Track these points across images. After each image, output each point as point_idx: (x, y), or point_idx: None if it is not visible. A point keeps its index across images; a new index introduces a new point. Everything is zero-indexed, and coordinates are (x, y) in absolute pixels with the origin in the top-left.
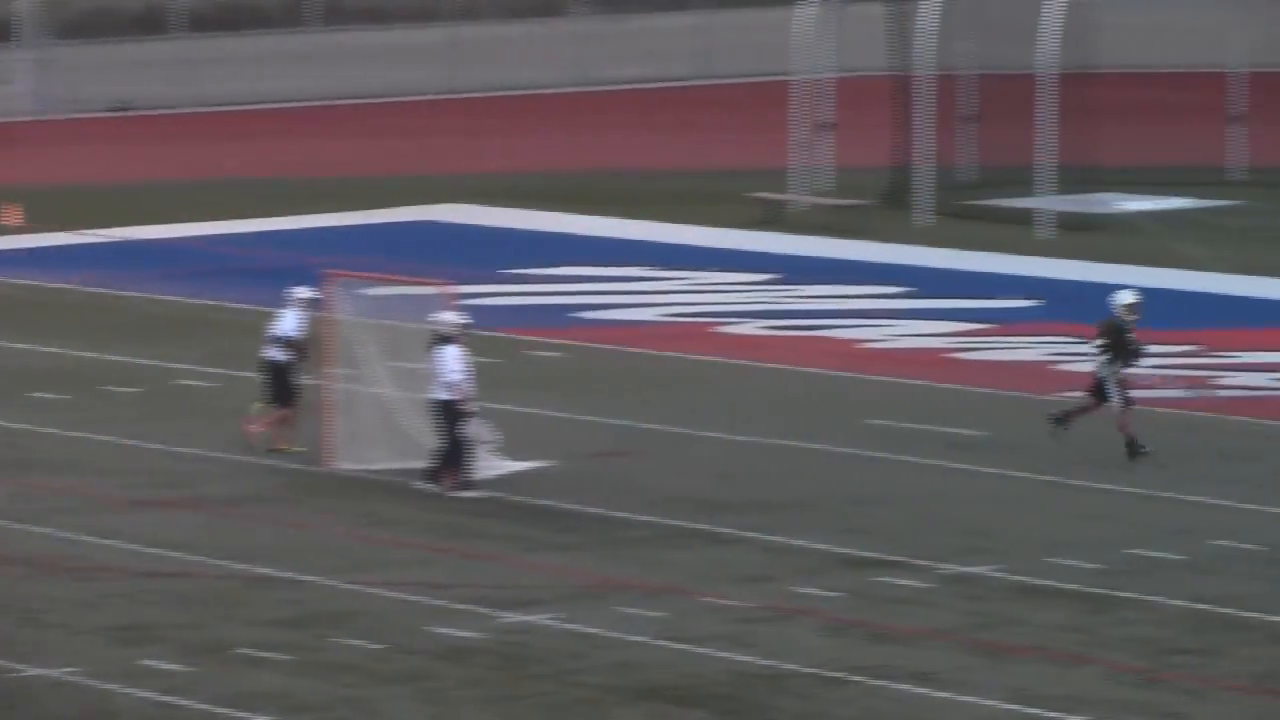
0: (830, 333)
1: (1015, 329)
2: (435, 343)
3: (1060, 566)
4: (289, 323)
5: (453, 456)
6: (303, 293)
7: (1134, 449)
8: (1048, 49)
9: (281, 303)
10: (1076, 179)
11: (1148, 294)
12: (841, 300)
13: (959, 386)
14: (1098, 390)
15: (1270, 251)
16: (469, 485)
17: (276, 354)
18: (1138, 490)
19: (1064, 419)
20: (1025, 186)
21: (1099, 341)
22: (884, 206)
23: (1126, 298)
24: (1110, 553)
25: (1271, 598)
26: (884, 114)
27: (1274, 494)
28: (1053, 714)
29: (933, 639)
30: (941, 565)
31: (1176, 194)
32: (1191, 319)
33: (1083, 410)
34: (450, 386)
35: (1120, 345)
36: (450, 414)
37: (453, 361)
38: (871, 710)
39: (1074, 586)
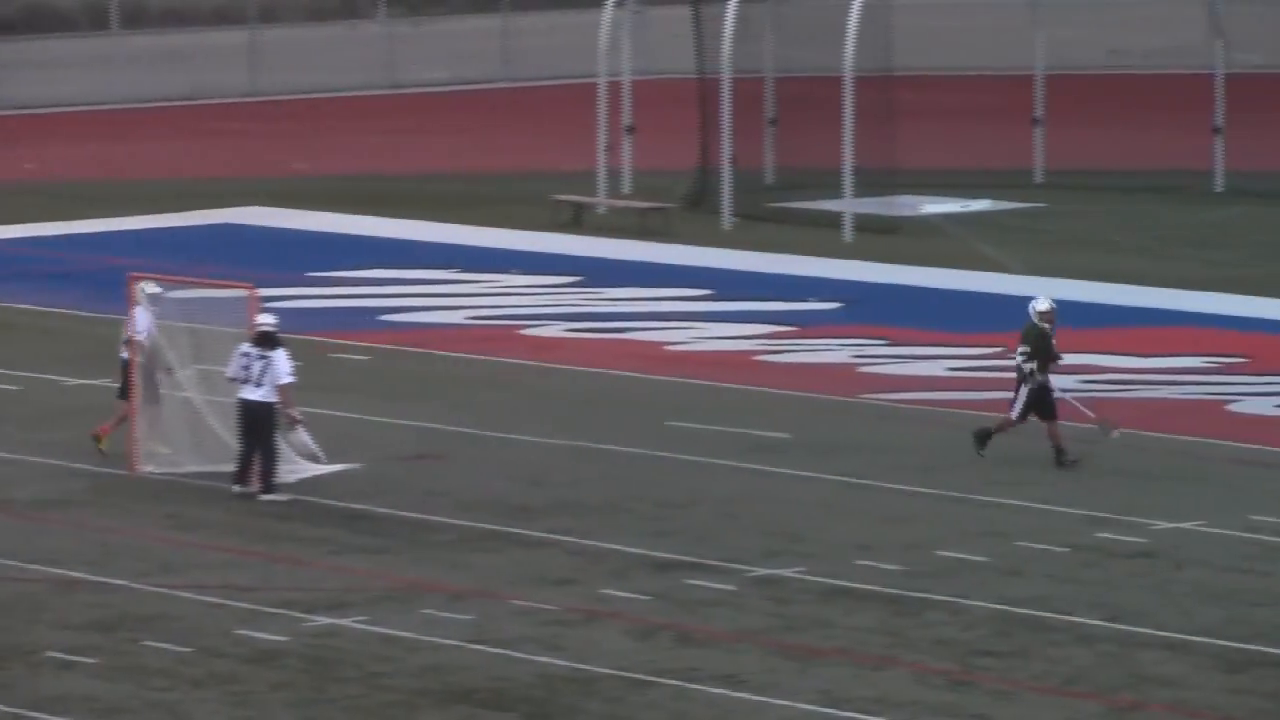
0: (634, 335)
1: (817, 331)
2: (258, 344)
3: (867, 569)
4: (141, 321)
5: (266, 459)
6: (151, 289)
7: (1062, 458)
8: (849, 52)
9: (116, 303)
10: (877, 181)
11: (948, 296)
12: (645, 303)
13: (763, 389)
14: (1040, 404)
15: (1070, 253)
16: (274, 489)
17: (124, 353)
18: (943, 492)
19: (1060, 453)
20: (827, 189)
21: (1023, 349)
22: (687, 209)
23: (1043, 304)
24: (916, 555)
25: (1077, 599)
26: (687, 117)
27: (1074, 495)
28: (860, 716)
29: (740, 641)
30: (748, 568)
31: (977, 196)
32: (992, 321)
33: (1055, 434)
34: (279, 390)
35: (1044, 351)
36: (268, 417)
37: (283, 364)
38: (679, 713)
39: (881, 589)
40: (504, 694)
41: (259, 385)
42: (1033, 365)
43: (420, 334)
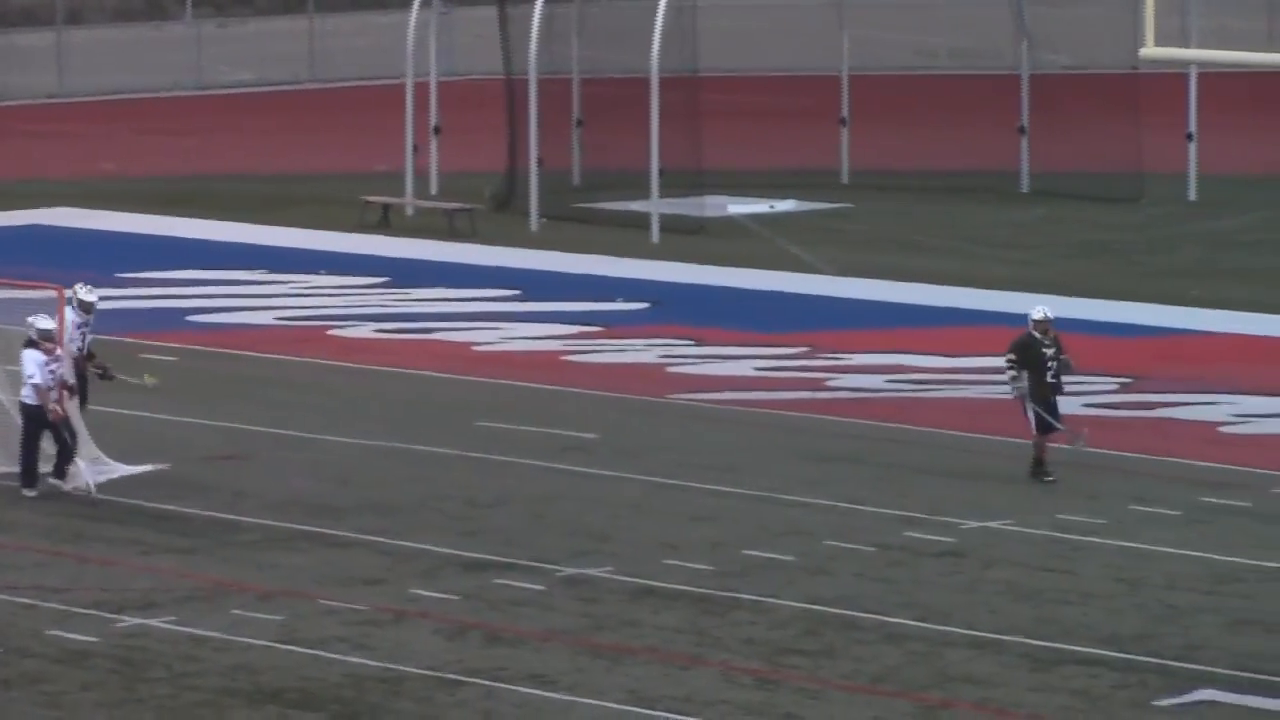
0: (442, 336)
1: (625, 331)
2: (24, 345)
3: (675, 568)
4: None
5: (60, 455)
6: (81, 292)
7: (1039, 471)
8: (654, 53)
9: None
10: (684, 182)
11: (755, 297)
12: (453, 303)
13: (571, 389)
14: (1040, 419)
15: (876, 253)
16: (63, 474)
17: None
18: (750, 492)
19: (1038, 465)
20: (634, 190)
21: (1009, 357)
22: (495, 210)
23: (1036, 313)
24: (724, 554)
25: (884, 598)
26: (494, 118)
27: (882, 494)
28: (668, 715)
29: (549, 641)
30: (557, 567)
31: (783, 196)
32: (799, 321)
33: (1041, 447)
34: (35, 391)
35: (1031, 361)
36: (38, 417)
37: (28, 365)
38: (488, 712)
39: (689, 588)
40: (313, 694)
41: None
42: (1014, 372)
43: (228, 335)
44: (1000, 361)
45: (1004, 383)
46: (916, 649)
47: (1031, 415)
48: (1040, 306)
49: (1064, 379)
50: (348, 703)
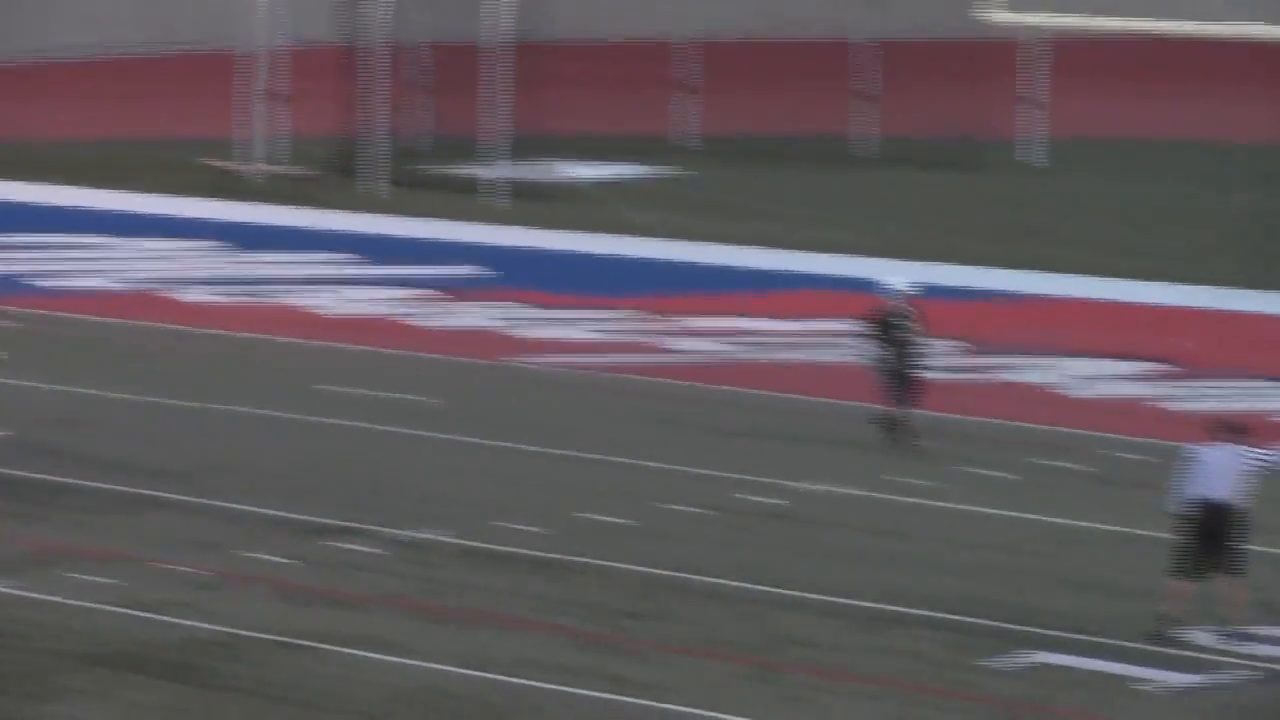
0: (282, 299)
1: (466, 295)
2: None
3: (511, 531)
4: None
5: None
6: None
7: (894, 436)
8: (498, 19)
9: None
10: (528, 147)
11: (598, 261)
12: (293, 267)
13: (411, 353)
14: (895, 383)
15: (717, 218)
16: None
17: None
18: (586, 455)
19: (892, 430)
20: (480, 155)
21: (864, 326)
22: (337, 175)
23: (895, 283)
24: (559, 518)
25: (718, 561)
26: (341, 83)
27: (716, 457)
28: (502, 678)
29: (385, 604)
30: (393, 531)
31: (626, 162)
32: (641, 285)
33: (894, 416)
34: None
35: (887, 331)
36: None
37: None
38: (323, 675)
39: (524, 551)
40: (147, 657)
41: None
42: (868, 342)
43: (66, 300)
44: (841, 326)
45: (841, 347)
46: (748, 610)
47: (884, 383)
48: (900, 277)
49: (918, 349)
50: (181, 666)
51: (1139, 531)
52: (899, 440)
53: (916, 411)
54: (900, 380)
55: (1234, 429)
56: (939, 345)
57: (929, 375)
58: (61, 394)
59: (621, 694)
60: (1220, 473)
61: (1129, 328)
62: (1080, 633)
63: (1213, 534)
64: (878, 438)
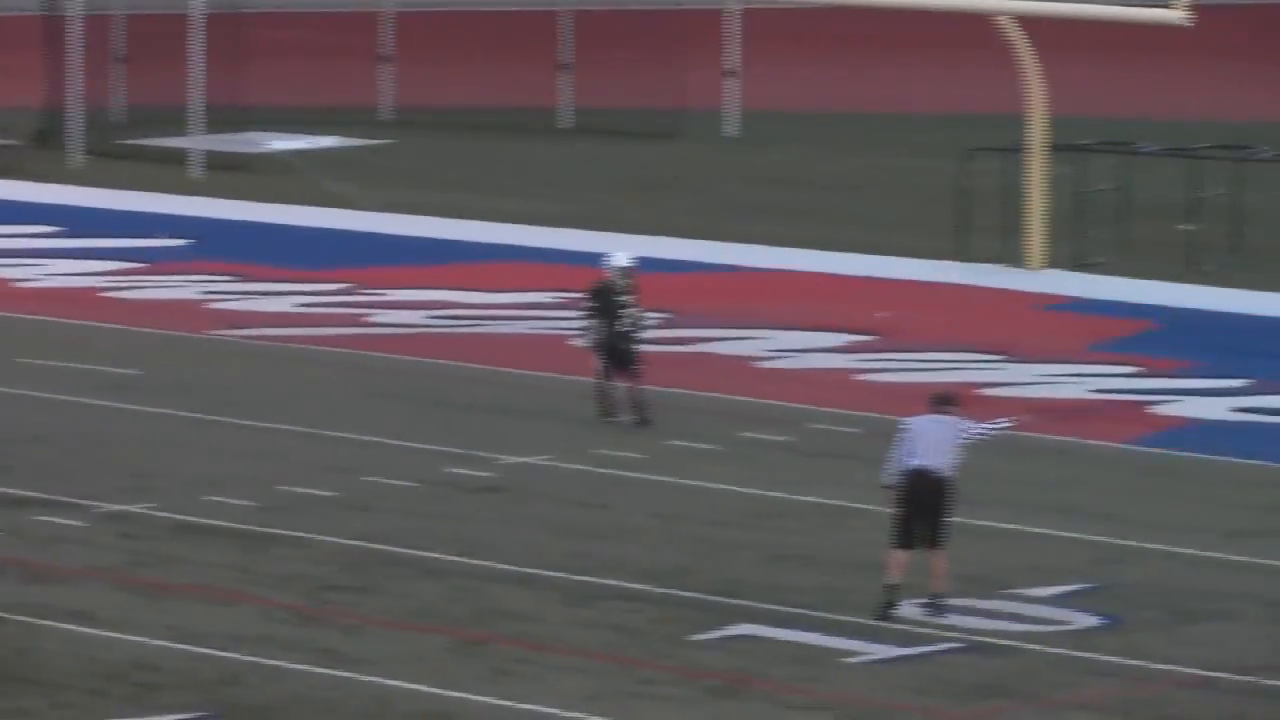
0: None
1: (166, 268)
2: None
3: (216, 504)
4: None
5: None
6: None
7: (610, 413)
8: None
9: None
10: (228, 119)
11: (298, 233)
12: None
13: (113, 325)
14: (612, 359)
15: (417, 190)
16: None
17: None
18: (292, 428)
19: (608, 410)
20: (178, 126)
21: (585, 302)
22: (35, 147)
23: (616, 260)
24: (266, 490)
25: (423, 534)
26: (35, 54)
27: (424, 430)
28: (211, 651)
29: (92, 578)
30: (98, 504)
31: (326, 133)
32: (343, 258)
33: (610, 391)
34: None
35: (606, 307)
36: None
37: None
38: (34, 650)
39: (231, 524)
40: None
41: None
42: (588, 319)
43: None
44: (548, 298)
45: (549, 319)
46: (457, 584)
47: (601, 360)
48: (621, 253)
49: (636, 323)
50: None
51: (847, 504)
52: (621, 414)
53: (643, 386)
54: (618, 355)
55: (945, 400)
56: (650, 318)
57: (644, 349)
58: None
59: (331, 667)
60: (933, 444)
61: (833, 300)
62: (786, 605)
63: (925, 505)
64: (594, 411)
